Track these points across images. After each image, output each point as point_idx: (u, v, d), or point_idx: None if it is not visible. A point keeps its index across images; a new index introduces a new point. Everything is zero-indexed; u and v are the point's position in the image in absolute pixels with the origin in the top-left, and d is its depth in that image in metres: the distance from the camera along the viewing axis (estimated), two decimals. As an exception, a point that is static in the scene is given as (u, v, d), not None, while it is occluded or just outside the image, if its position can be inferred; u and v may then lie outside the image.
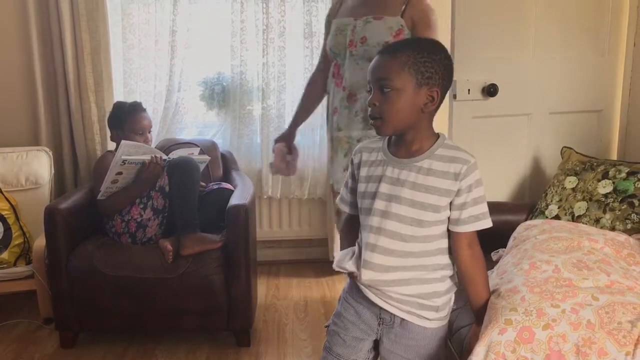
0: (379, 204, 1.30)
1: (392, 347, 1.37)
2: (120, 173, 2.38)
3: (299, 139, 3.23)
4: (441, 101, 1.29)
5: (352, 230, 1.43)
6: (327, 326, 1.50)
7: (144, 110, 2.64)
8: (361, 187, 1.36)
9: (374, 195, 1.31)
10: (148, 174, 2.40)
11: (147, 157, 2.41)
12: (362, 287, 1.35)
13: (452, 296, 1.38)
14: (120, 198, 2.42)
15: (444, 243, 1.33)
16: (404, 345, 1.35)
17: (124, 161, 2.35)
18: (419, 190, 1.27)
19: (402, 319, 1.34)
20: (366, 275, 1.32)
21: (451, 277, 1.36)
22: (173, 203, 2.41)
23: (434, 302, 1.32)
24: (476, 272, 1.34)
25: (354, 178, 1.41)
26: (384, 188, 1.30)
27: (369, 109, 1.29)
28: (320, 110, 3.16)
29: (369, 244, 1.31)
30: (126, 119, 2.55)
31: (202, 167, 2.60)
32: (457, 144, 1.33)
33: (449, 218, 1.30)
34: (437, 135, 1.33)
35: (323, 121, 3.14)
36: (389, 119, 1.26)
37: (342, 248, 1.46)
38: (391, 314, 1.34)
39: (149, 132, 2.62)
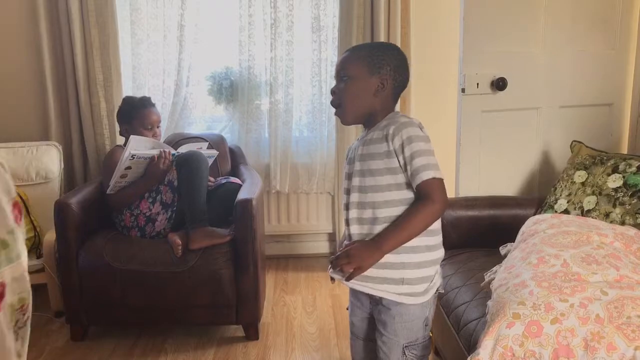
0: (345, 183, 1.47)
1: (377, 324, 1.46)
2: (129, 167, 2.39)
3: (307, 134, 3.26)
4: (396, 88, 1.44)
5: None
6: (347, 308, 1.61)
7: (153, 105, 2.64)
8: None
9: (345, 176, 1.48)
10: (157, 169, 2.41)
11: (155, 152, 2.42)
12: None
13: (434, 275, 1.41)
14: (129, 192, 2.44)
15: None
16: (382, 321, 1.43)
17: (132, 156, 2.36)
18: (363, 160, 1.41)
19: (380, 297, 1.40)
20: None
21: (428, 249, 1.38)
22: (181, 197, 2.42)
23: (401, 274, 1.36)
24: (406, 214, 1.35)
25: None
26: (347, 168, 1.48)
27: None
28: (328, 106, 3.17)
29: (346, 219, 1.45)
30: (135, 114, 2.56)
31: (210, 161, 2.61)
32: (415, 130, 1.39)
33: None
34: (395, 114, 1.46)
35: (331, 115, 3.15)
36: (346, 104, 1.43)
37: None
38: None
39: (158, 126, 2.63)
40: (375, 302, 1.44)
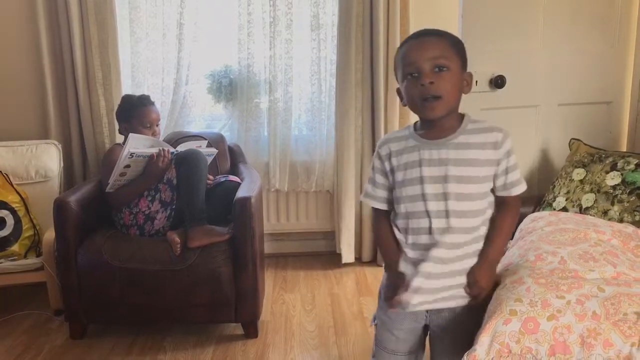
0: (429, 188, 1.34)
1: (442, 334, 1.42)
2: (128, 166, 2.40)
3: (306, 133, 3.26)
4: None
5: (385, 223, 1.47)
6: (374, 322, 1.52)
7: (152, 103, 2.65)
8: (399, 176, 1.39)
9: (419, 180, 1.35)
10: (156, 167, 2.41)
11: (154, 150, 2.42)
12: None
13: None
14: (128, 191, 2.44)
15: (489, 214, 1.39)
16: (452, 330, 1.40)
17: (131, 154, 2.36)
18: (462, 165, 1.32)
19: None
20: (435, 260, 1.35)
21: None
22: (180, 195, 2.42)
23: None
24: (510, 227, 1.40)
25: (383, 172, 1.44)
26: (427, 172, 1.34)
27: (420, 89, 1.30)
28: (327, 104, 3.17)
29: (437, 228, 1.34)
30: (134, 112, 2.56)
31: (209, 159, 2.61)
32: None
33: (493, 189, 1.38)
34: (462, 115, 1.39)
35: (330, 113, 3.16)
36: (447, 97, 1.31)
37: (377, 242, 1.49)
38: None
39: (157, 125, 2.63)
40: (438, 311, 1.40)
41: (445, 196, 1.33)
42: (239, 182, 2.62)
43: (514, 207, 1.39)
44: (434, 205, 1.34)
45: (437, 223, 1.34)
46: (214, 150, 2.71)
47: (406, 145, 1.38)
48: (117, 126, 2.67)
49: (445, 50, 1.31)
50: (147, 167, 2.43)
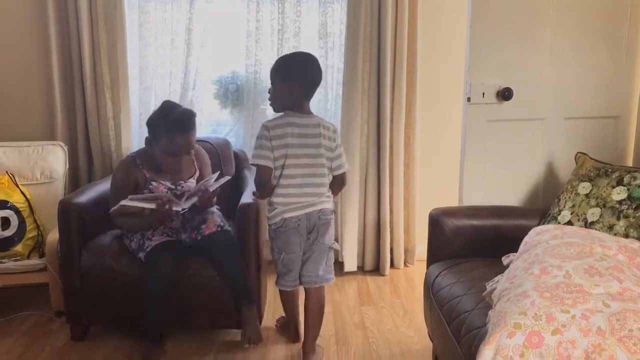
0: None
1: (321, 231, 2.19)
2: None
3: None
4: (300, 92, 2.13)
5: None
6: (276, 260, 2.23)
7: (192, 128, 2.28)
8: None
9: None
10: (159, 215, 2.22)
11: (151, 206, 2.18)
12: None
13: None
14: (130, 225, 2.31)
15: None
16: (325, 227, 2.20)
17: (123, 205, 2.17)
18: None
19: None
20: None
21: None
22: (225, 278, 2.31)
23: None
24: None
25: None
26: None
27: None
28: (333, 112, 3.17)
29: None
30: (162, 135, 2.26)
31: (222, 182, 2.41)
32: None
33: None
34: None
35: (336, 121, 3.15)
36: (273, 101, 2.18)
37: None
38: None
39: (189, 152, 2.32)
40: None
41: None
42: (228, 230, 2.41)
43: None
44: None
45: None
46: (226, 178, 2.45)
47: None
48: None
49: (272, 73, 2.19)
50: (148, 216, 2.24)
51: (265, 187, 2.14)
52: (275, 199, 2.14)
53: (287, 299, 2.37)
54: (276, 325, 2.58)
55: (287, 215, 2.13)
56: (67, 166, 2.93)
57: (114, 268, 2.29)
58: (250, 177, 2.80)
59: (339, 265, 3.22)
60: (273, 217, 2.16)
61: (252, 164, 2.14)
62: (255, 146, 2.12)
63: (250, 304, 2.30)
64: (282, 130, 2.11)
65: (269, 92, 2.18)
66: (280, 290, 2.32)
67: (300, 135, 2.13)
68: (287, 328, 2.49)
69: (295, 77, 2.12)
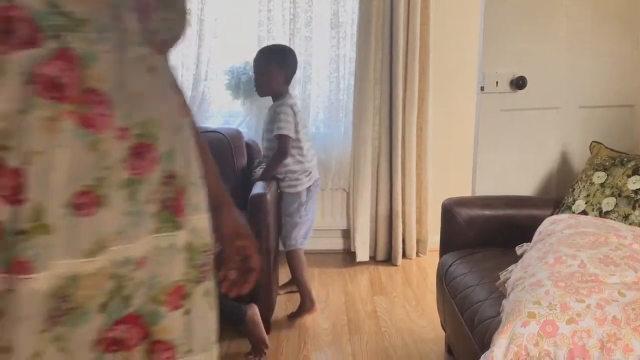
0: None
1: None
2: None
3: (323, 130, 3.26)
4: (289, 78, 2.55)
5: None
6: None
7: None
8: None
9: None
10: None
11: None
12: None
13: None
14: None
15: None
16: None
17: None
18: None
19: None
20: None
21: None
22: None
23: None
24: None
25: None
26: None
27: None
28: (345, 102, 3.17)
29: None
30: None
31: None
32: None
33: None
34: None
35: (348, 111, 3.15)
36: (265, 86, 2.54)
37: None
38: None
39: None
40: None
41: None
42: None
43: None
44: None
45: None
46: None
47: None
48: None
49: None
50: None
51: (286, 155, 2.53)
52: (307, 164, 2.56)
53: (302, 262, 2.63)
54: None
55: (316, 175, 2.63)
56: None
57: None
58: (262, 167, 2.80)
59: (351, 255, 3.22)
60: (308, 180, 2.58)
61: (278, 135, 2.47)
62: (282, 120, 2.46)
63: (251, 305, 2.24)
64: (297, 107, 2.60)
65: (258, 79, 2.53)
66: (297, 253, 2.61)
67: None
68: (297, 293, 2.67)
69: (289, 65, 2.52)
